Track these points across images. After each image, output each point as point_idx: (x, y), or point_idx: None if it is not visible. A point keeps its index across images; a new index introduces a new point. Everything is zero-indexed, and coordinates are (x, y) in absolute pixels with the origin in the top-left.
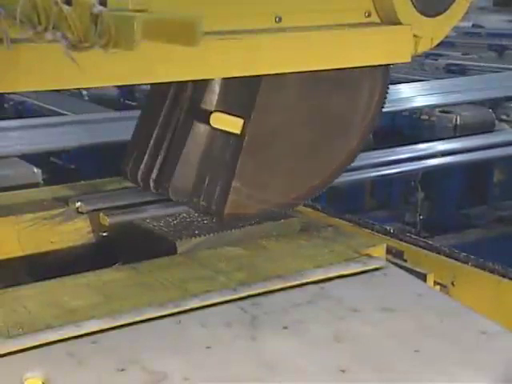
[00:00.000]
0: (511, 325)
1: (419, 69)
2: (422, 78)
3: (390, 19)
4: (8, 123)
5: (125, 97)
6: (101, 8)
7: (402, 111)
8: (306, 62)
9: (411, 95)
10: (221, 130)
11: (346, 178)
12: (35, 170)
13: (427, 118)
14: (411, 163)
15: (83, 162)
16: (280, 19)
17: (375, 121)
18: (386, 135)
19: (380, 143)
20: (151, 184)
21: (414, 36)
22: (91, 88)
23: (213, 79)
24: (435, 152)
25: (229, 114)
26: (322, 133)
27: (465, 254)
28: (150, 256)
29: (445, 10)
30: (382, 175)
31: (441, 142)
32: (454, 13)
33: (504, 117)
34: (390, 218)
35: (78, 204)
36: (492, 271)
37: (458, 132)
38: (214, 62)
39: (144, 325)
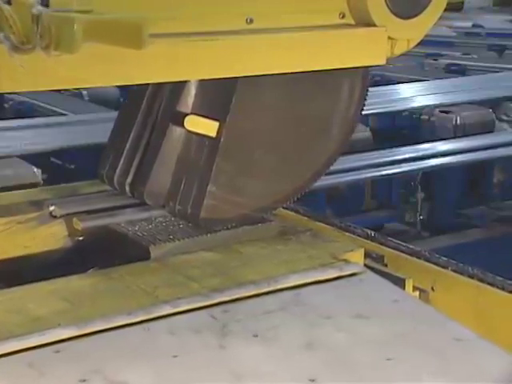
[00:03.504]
0: (490, 329)
1: (419, 69)
2: (422, 78)
3: (365, 21)
4: (8, 123)
5: (125, 97)
6: (40, 8)
7: (402, 111)
8: (278, 64)
9: (411, 95)
10: (197, 133)
11: (346, 177)
12: (35, 169)
13: (427, 118)
14: (411, 163)
15: (83, 162)
16: (251, 20)
17: (355, 123)
18: (386, 135)
19: (380, 143)
20: (127, 188)
21: (390, 38)
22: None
23: (188, 82)
24: (435, 152)
25: (205, 116)
26: (300, 135)
27: (445, 259)
28: (125, 261)
29: (420, 12)
30: (382, 175)
31: (441, 142)
32: (430, 14)
33: (504, 117)
34: (390, 218)
35: (52, 208)
36: (471, 276)
37: (457, 132)
38: (181, 64)
39: (111, 333)
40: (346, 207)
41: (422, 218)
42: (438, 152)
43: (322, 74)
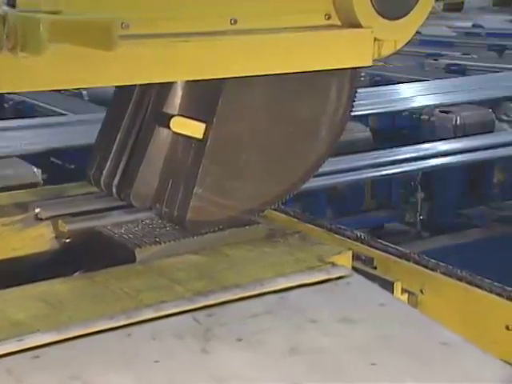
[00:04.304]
0: (478, 332)
1: (419, 69)
2: (423, 78)
3: (351, 22)
4: (8, 123)
5: None
6: (6, 9)
7: (402, 111)
8: (263, 65)
9: (411, 95)
10: (183, 135)
11: (346, 177)
12: (35, 169)
13: (427, 118)
14: (411, 163)
15: (83, 162)
16: (235, 21)
17: (343, 124)
18: (386, 135)
19: (380, 143)
20: (114, 189)
21: (377, 39)
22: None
23: (175, 83)
24: (435, 152)
25: (192, 118)
26: (288, 137)
27: (434, 261)
28: (110, 264)
29: (407, 13)
30: (382, 175)
31: (441, 142)
32: (417, 15)
33: (504, 117)
34: (390, 218)
35: (38, 210)
36: (460, 279)
37: (457, 132)
38: (163, 66)
39: (92, 338)
40: (346, 207)
41: (422, 217)
42: (438, 152)
43: (309, 75)
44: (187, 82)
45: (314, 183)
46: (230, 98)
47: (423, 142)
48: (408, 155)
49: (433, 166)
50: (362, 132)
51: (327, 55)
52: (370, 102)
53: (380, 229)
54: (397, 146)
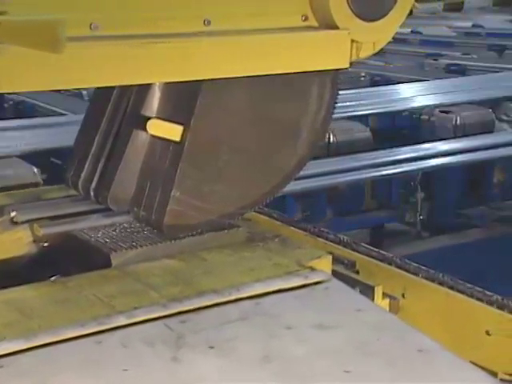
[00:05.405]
0: (459, 337)
1: (419, 69)
2: (422, 78)
3: (327, 23)
4: (8, 123)
5: None
6: None
7: (402, 111)
8: (237, 67)
9: (411, 95)
10: (161, 138)
11: (345, 177)
12: (35, 170)
13: (427, 118)
14: (411, 163)
15: None
16: (209, 22)
17: (325, 126)
18: (386, 135)
19: (380, 143)
20: (91, 193)
21: (354, 41)
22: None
23: (153, 85)
24: (435, 152)
25: (169, 121)
26: (268, 140)
27: (416, 265)
28: (87, 269)
29: (385, 14)
30: (382, 175)
31: (441, 142)
32: (395, 16)
33: (504, 117)
34: (390, 218)
35: (13, 214)
36: (441, 283)
37: (457, 132)
38: (134, 67)
39: (61, 346)
40: (346, 207)
41: (422, 217)
42: (438, 152)
43: (289, 76)
44: (165, 84)
45: (314, 183)
46: (208, 100)
47: (423, 142)
48: (408, 155)
49: (433, 166)
50: (362, 132)
51: (303, 57)
52: (370, 102)
53: (380, 229)
54: (397, 146)
